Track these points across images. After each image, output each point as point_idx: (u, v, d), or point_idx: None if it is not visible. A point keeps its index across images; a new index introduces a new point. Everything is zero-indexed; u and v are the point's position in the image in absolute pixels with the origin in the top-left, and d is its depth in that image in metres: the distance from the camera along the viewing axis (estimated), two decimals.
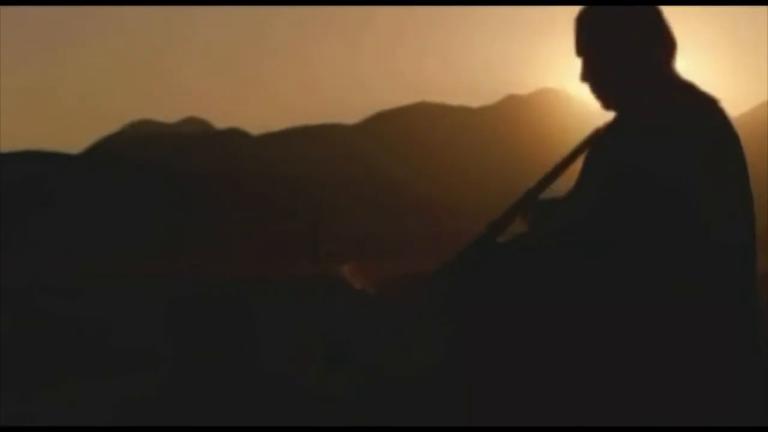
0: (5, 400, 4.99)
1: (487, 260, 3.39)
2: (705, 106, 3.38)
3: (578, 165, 3.55)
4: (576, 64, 3.53)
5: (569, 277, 3.31)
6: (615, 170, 3.30)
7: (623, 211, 3.26)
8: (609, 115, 3.51)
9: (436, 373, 3.48)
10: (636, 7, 3.47)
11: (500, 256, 3.40)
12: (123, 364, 6.38)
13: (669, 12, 3.53)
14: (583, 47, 3.50)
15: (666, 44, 3.47)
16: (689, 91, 3.42)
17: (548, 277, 3.32)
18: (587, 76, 3.49)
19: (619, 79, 3.46)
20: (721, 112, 3.38)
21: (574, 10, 3.54)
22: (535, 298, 3.32)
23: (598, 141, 3.51)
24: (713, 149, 3.30)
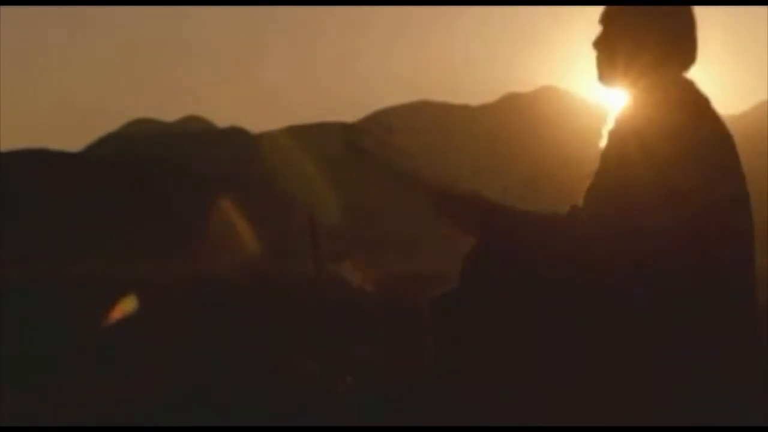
0: (5, 400, 4.99)
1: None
2: (703, 104, 3.39)
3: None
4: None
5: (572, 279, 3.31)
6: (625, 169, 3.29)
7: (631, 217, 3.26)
8: (607, 114, 3.50)
9: (435, 372, 3.48)
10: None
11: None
12: (124, 363, 6.38)
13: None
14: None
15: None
16: (691, 89, 3.43)
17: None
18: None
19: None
20: (714, 111, 3.39)
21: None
22: (530, 298, 3.33)
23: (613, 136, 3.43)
24: (711, 149, 3.31)
